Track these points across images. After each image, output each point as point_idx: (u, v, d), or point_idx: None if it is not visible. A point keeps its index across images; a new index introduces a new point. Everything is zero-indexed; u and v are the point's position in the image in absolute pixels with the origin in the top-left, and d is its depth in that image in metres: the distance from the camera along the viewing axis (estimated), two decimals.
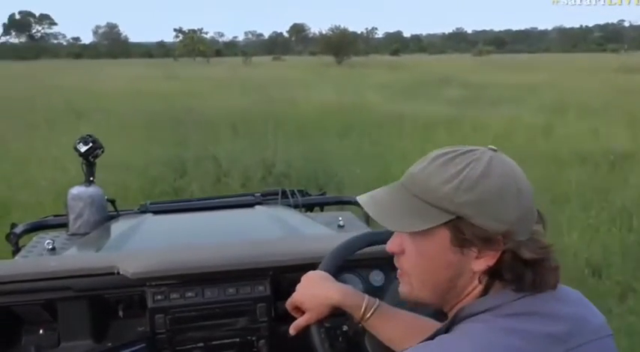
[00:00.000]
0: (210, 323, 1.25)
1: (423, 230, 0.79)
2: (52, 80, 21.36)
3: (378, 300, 1.03)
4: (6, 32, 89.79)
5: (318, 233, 1.68)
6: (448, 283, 0.82)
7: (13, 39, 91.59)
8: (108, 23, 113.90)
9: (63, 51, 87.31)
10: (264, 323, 1.27)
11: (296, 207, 2.10)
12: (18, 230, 1.92)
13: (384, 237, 0.97)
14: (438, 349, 0.76)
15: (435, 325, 0.95)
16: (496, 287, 0.80)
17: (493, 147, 0.82)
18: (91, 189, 1.87)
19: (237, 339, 1.27)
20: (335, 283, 1.05)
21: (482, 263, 0.79)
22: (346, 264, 1.14)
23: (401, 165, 6.90)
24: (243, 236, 1.68)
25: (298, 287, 1.07)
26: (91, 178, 1.89)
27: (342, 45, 47.05)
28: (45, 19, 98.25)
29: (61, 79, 22.39)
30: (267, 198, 2.12)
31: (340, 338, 1.17)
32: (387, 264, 1.13)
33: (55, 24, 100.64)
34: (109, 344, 1.23)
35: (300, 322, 1.05)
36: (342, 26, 51.73)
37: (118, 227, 1.79)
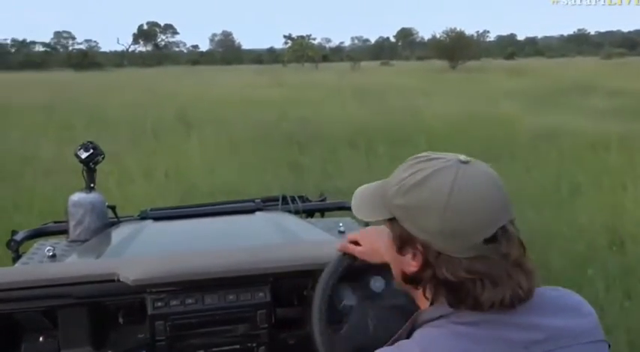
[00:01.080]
0: (211, 329, 1.25)
1: (378, 221, 0.89)
2: (167, 87, 21.64)
3: None
4: (135, 41, 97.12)
5: (319, 239, 1.67)
6: (400, 277, 0.88)
7: (141, 47, 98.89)
8: (223, 31, 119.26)
9: (182, 58, 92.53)
10: (265, 329, 1.26)
11: (296, 212, 2.11)
12: (18, 237, 1.93)
13: None
14: None
15: None
16: (437, 297, 0.83)
17: (463, 158, 0.82)
18: (92, 196, 1.88)
19: (238, 346, 1.27)
20: None
21: (409, 267, 0.84)
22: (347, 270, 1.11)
23: (577, 200, 5.27)
24: (244, 242, 1.66)
25: (365, 230, 1.13)
26: (92, 185, 1.90)
27: (456, 49, 44.47)
28: (169, 28, 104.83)
29: (175, 86, 22.73)
30: (267, 204, 2.12)
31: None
32: (388, 269, 0.98)
33: (178, 33, 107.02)
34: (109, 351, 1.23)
35: (351, 247, 1.10)
36: (457, 29, 48.83)
37: (118, 233, 1.79)
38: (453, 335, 0.77)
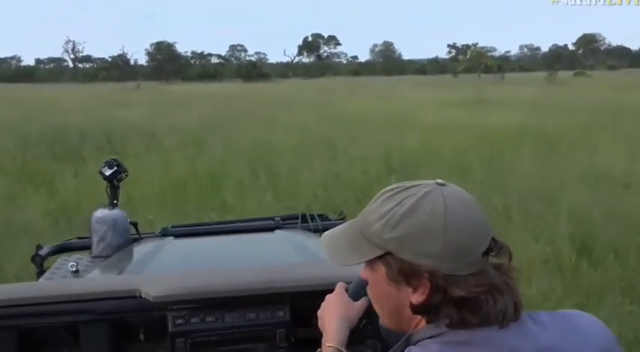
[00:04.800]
0: (230, 348, 1.25)
1: (366, 262, 0.85)
2: (336, 103, 18.57)
3: None
4: (299, 53, 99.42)
5: None
6: (395, 313, 0.86)
7: (304, 58, 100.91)
8: (384, 41, 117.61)
9: (343, 69, 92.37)
10: (284, 348, 1.26)
11: (316, 231, 2.06)
12: (43, 252, 1.92)
13: None
14: None
15: None
16: (436, 320, 0.81)
17: (440, 181, 0.83)
18: (115, 212, 1.89)
19: None
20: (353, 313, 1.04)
21: (415, 298, 0.81)
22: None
23: None
24: (263, 260, 1.68)
25: (323, 304, 1.08)
26: (115, 201, 1.91)
27: None
28: (332, 40, 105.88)
29: (345, 99, 19.61)
30: (286, 223, 2.09)
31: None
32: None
33: (340, 44, 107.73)
34: None
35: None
36: None
37: (139, 250, 1.79)
38: None
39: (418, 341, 0.81)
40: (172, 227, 2.03)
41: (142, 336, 1.27)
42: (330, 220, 2.18)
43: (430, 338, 0.80)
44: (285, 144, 8.86)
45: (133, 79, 53.63)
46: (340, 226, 0.92)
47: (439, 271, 0.77)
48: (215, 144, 8.70)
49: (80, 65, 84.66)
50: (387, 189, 0.84)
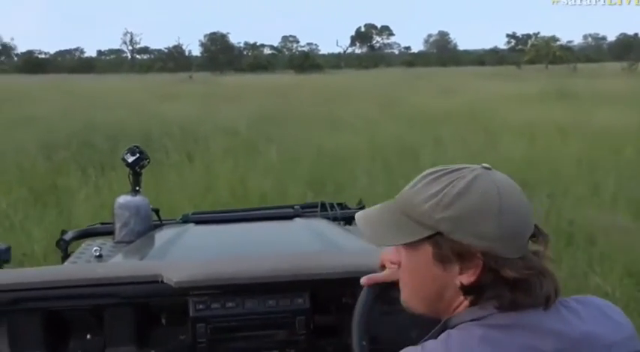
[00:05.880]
0: (250, 334, 1.26)
1: (407, 244, 0.83)
2: (400, 97, 16.70)
3: None
4: (352, 43, 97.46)
5: (357, 247, 1.61)
6: (436, 296, 0.84)
7: (357, 49, 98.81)
8: (440, 31, 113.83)
9: (396, 60, 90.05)
10: (303, 336, 1.25)
11: (335, 219, 2.07)
12: (67, 237, 1.96)
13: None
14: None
15: None
16: (480, 302, 0.81)
17: (486, 165, 0.83)
18: (137, 199, 1.91)
19: (276, 351, 1.26)
20: None
21: (464, 278, 0.80)
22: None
23: None
24: (282, 247, 1.70)
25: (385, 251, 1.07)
26: (137, 188, 1.93)
27: None
28: (385, 30, 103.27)
29: (407, 92, 17.70)
30: (306, 211, 2.10)
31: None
32: None
33: (393, 34, 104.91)
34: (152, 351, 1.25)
35: (377, 276, 1.03)
36: None
37: (161, 236, 1.81)
38: (482, 340, 0.76)
39: (457, 325, 0.80)
40: (193, 214, 2.05)
41: (163, 320, 1.30)
42: (349, 209, 2.19)
43: (472, 321, 0.79)
44: (354, 150, 7.26)
45: (187, 70, 53.60)
46: (374, 208, 0.91)
47: (491, 252, 0.77)
48: (270, 150, 7.18)
49: (138, 56, 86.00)
50: (428, 171, 0.84)
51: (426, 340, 0.81)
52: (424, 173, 0.84)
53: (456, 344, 0.76)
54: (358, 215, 0.90)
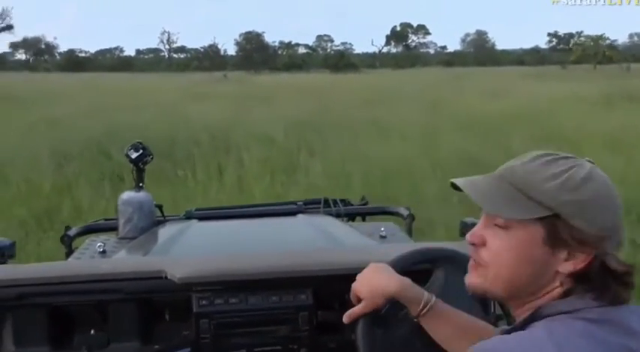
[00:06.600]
0: (253, 329, 1.27)
1: (518, 221, 0.80)
2: (446, 99, 15.32)
3: (434, 296, 1.03)
4: (387, 43, 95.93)
5: (360, 244, 1.66)
6: (526, 279, 0.81)
7: (393, 49, 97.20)
8: (477, 30, 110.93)
9: (432, 59, 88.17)
10: (306, 332, 1.27)
11: (338, 216, 2.08)
12: (71, 233, 1.96)
13: (463, 258, 0.97)
14: (515, 342, 0.75)
15: (489, 328, 1.00)
16: (577, 291, 0.79)
17: (590, 159, 0.82)
18: (141, 195, 1.92)
19: (279, 347, 1.27)
20: (395, 274, 1.05)
21: (569, 265, 0.78)
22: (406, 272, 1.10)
23: None
24: (286, 244, 1.72)
25: (359, 276, 1.07)
26: (141, 184, 1.95)
27: None
28: (421, 29, 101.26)
29: (453, 94, 16.29)
30: (309, 207, 2.11)
31: (400, 323, 1.11)
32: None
33: (429, 33, 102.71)
34: (156, 347, 1.27)
35: (354, 310, 1.05)
36: None
37: (164, 232, 1.83)
38: (583, 335, 0.74)
39: (549, 315, 0.78)
40: (196, 210, 2.06)
41: (167, 316, 1.31)
42: (352, 205, 2.21)
43: (566, 313, 0.77)
44: (411, 162, 6.14)
45: (223, 69, 53.35)
46: (479, 177, 0.87)
47: (604, 243, 0.77)
48: (313, 164, 6.11)
49: (175, 55, 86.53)
50: (539, 153, 0.82)
51: (511, 330, 0.80)
52: (533, 154, 0.82)
53: (559, 336, 0.73)
54: (462, 181, 0.85)
